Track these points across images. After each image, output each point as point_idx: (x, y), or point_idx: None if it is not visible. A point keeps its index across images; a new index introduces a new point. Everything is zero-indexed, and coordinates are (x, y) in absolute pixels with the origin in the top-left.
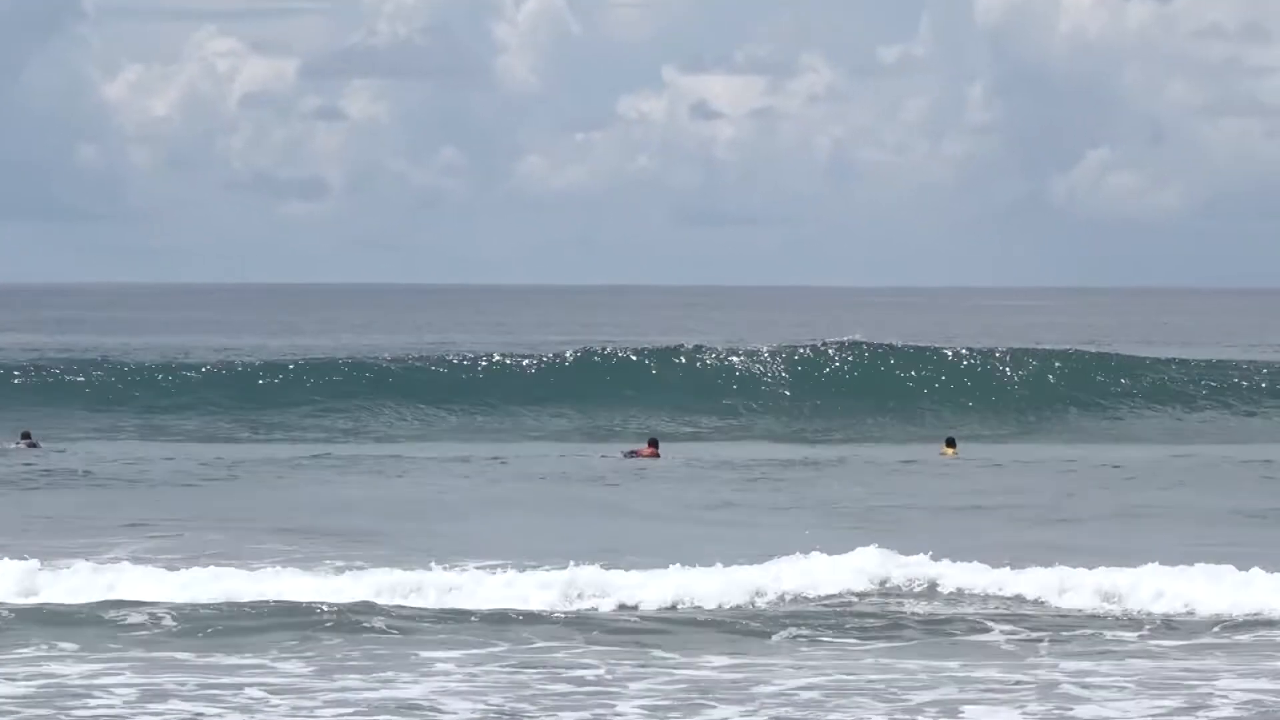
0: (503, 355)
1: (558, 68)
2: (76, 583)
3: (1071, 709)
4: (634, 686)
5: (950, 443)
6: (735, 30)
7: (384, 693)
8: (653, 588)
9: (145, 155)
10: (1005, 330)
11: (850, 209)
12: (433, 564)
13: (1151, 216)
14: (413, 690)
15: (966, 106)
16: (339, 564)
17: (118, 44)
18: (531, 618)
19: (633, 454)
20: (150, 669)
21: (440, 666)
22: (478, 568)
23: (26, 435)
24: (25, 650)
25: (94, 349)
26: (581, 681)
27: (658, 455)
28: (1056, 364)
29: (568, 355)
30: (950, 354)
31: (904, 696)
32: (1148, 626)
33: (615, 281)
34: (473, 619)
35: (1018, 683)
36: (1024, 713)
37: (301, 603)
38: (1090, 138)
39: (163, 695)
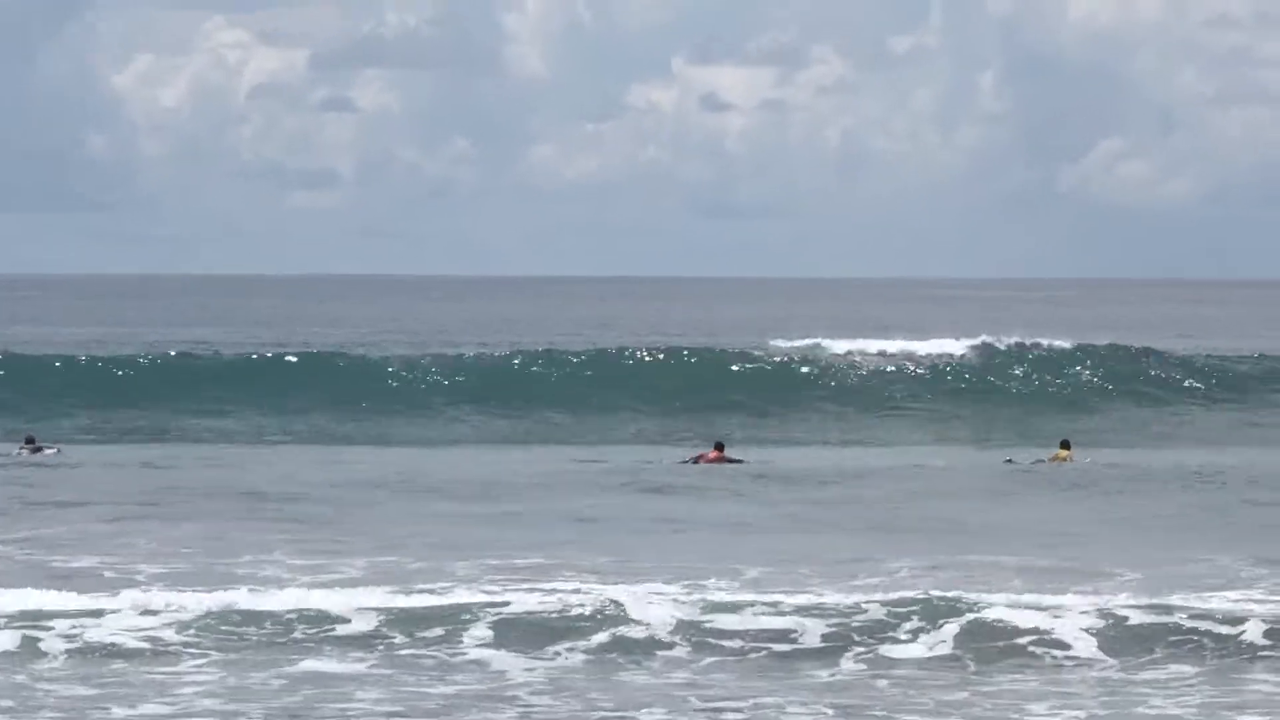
0: (562, 351)
1: (568, 57)
2: None
3: None
4: None
5: (1065, 445)
6: (745, 21)
7: None
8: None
9: (155, 145)
10: (1084, 325)
11: (861, 200)
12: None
13: (1162, 206)
14: None
15: (977, 96)
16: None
17: (127, 34)
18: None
19: (696, 459)
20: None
21: None
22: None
23: (30, 440)
24: None
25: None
26: None
27: (725, 460)
28: (1198, 365)
29: (643, 354)
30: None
31: None
32: None
33: (626, 273)
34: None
35: None
36: None
37: None
38: (1101, 127)
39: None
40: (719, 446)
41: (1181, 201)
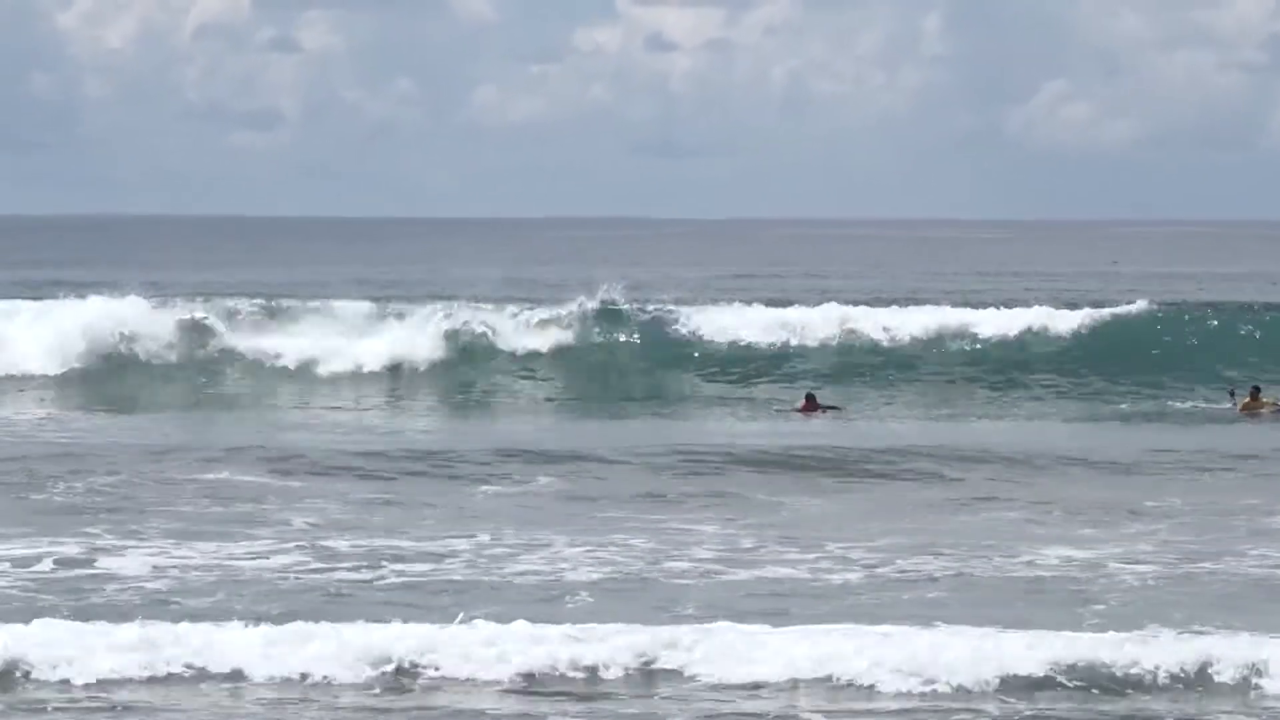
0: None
1: None
2: None
3: None
4: None
5: (1256, 391)
6: None
7: None
8: None
9: (99, 86)
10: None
11: (805, 141)
12: None
13: (1105, 148)
14: None
15: (923, 38)
16: None
17: None
18: None
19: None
20: None
21: None
22: None
23: None
24: None
25: None
26: None
27: (819, 411)
28: None
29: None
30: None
31: None
32: None
33: (571, 214)
34: None
35: None
36: None
37: None
38: (1046, 70)
39: None
40: (809, 398)
41: (1123, 143)
